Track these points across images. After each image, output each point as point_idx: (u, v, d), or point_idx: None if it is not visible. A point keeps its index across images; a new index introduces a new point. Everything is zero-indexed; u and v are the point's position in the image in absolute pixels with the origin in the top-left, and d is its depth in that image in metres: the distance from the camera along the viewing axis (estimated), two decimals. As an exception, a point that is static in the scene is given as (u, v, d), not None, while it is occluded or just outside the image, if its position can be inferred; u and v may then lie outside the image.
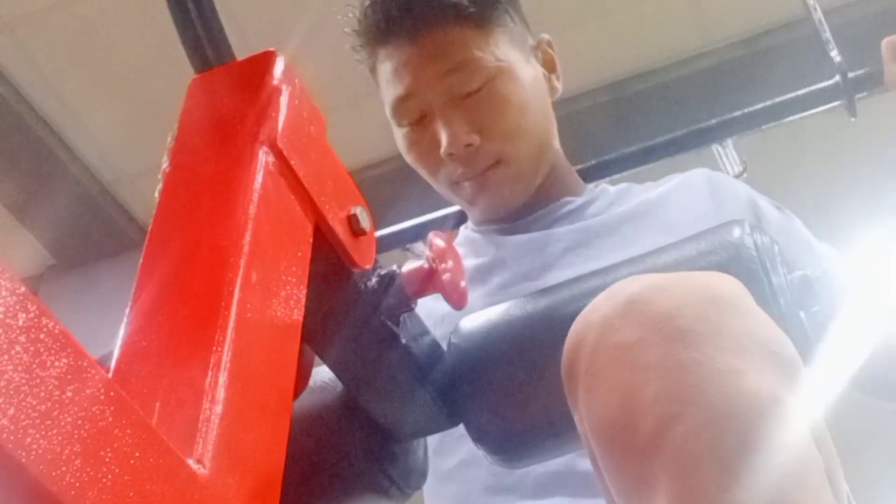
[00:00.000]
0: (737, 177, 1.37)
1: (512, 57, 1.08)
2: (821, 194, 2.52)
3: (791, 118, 1.33)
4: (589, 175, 1.24)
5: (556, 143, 1.15)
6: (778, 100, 1.33)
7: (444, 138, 1.05)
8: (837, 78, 1.27)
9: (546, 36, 1.18)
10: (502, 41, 1.08)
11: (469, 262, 1.11)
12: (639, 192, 1.15)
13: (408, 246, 1.36)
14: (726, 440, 0.46)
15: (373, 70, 1.12)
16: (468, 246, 1.15)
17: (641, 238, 1.04)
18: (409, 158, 1.12)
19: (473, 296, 1.05)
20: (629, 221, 1.08)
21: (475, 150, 1.06)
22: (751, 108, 1.33)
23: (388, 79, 1.09)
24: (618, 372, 0.50)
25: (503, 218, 1.14)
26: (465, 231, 1.20)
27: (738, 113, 1.34)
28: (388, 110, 1.11)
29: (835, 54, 1.29)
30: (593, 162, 1.29)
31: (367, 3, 1.09)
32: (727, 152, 1.42)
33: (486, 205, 1.11)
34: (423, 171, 1.12)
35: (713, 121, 1.35)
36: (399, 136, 1.12)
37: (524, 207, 1.12)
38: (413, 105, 1.08)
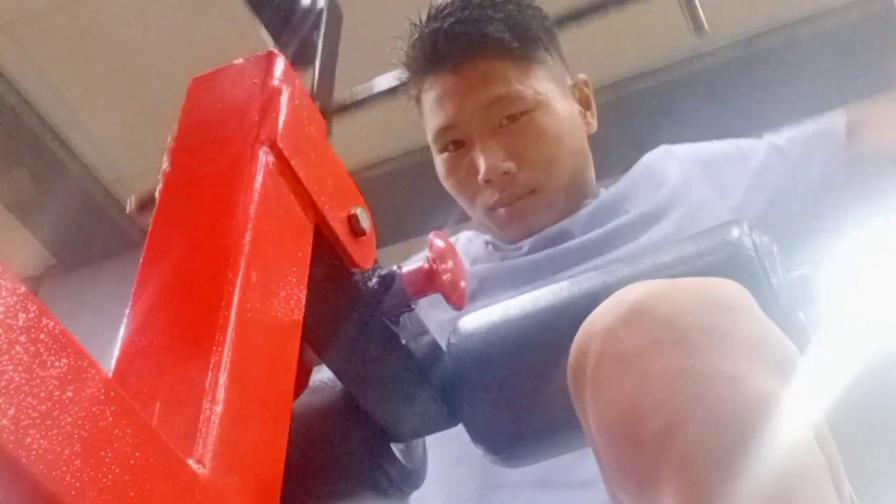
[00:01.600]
0: (697, 32, 1.34)
1: (550, 92, 1.14)
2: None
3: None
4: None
5: (591, 176, 1.20)
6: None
7: (482, 165, 1.09)
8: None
9: (583, 76, 1.23)
10: (542, 76, 1.14)
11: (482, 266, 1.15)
12: (611, 204, 1.17)
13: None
14: (729, 446, 0.46)
15: (417, 100, 1.18)
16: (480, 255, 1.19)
17: (640, 202, 1.13)
18: (447, 184, 1.17)
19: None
20: (627, 195, 1.15)
21: (511, 178, 1.11)
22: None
23: (431, 107, 1.14)
24: (622, 381, 0.50)
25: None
26: (479, 239, 1.23)
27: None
28: (430, 137, 1.16)
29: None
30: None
31: (416, 35, 1.15)
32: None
33: (518, 230, 1.15)
34: (461, 197, 1.17)
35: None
36: (439, 162, 1.17)
37: None
38: (454, 133, 1.13)
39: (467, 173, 1.13)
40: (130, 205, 1.19)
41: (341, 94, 1.16)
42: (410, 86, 1.18)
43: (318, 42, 0.58)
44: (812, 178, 1.10)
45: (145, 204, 1.18)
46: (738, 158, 1.15)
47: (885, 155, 1.07)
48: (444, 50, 1.12)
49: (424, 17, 1.15)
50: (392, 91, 1.17)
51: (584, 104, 1.22)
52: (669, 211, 1.10)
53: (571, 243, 1.11)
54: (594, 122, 1.23)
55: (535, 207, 1.13)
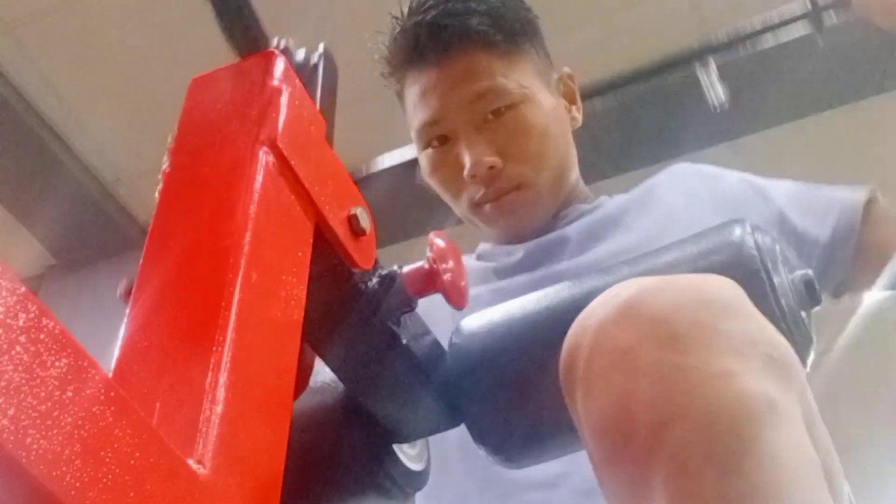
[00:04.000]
0: (719, 107, 1.42)
1: (535, 86, 1.12)
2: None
3: (765, 39, 1.38)
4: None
5: (576, 171, 1.19)
6: (753, 22, 1.37)
7: (467, 161, 1.08)
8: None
9: (567, 69, 1.22)
10: (526, 70, 1.12)
11: (483, 289, 1.12)
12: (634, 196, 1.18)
13: None
14: (721, 443, 0.46)
15: (400, 95, 1.16)
16: (477, 276, 1.16)
17: (640, 222, 1.09)
18: (432, 181, 1.15)
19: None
20: (629, 210, 1.12)
21: (497, 173, 1.09)
22: (726, 33, 1.38)
23: (414, 103, 1.12)
24: (613, 376, 0.50)
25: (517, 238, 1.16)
26: (470, 261, 1.21)
27: (714, 38, 1.39)
28: (413, 134, 1.15)
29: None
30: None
31: (398, 29, 1.13)
32: (711, 80, 1.46)
33: (505, 227, 1.13)
34: (446, 194, 1.15)
35: (694, 46, 1.41)
36: (423, 158, 1.15)
37: (540, 228, 1.15)
38: (438, 129, 1.11)
39: (452, 169, 1.11)
40: (121, 289, 1.16)
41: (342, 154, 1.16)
42: (393, 81, 1.16)
43: (315, 97, 0.58)
44: (819, 243, 1.07)
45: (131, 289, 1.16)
46: (758, 199, 1.12)
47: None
48: (426, 43, 1.10)
49: (406, 11, 1.13)
50: (399, 168, 1.17)
51: (569, 98, 1.20)
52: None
53: (565, 264, 1.08)
54: (579, 117, 1.21)
55: (521, 203, 1.11)
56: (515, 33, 1.12)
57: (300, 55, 0.63)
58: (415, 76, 1.12)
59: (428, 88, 1.11)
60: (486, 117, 1.09)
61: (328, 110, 0.59)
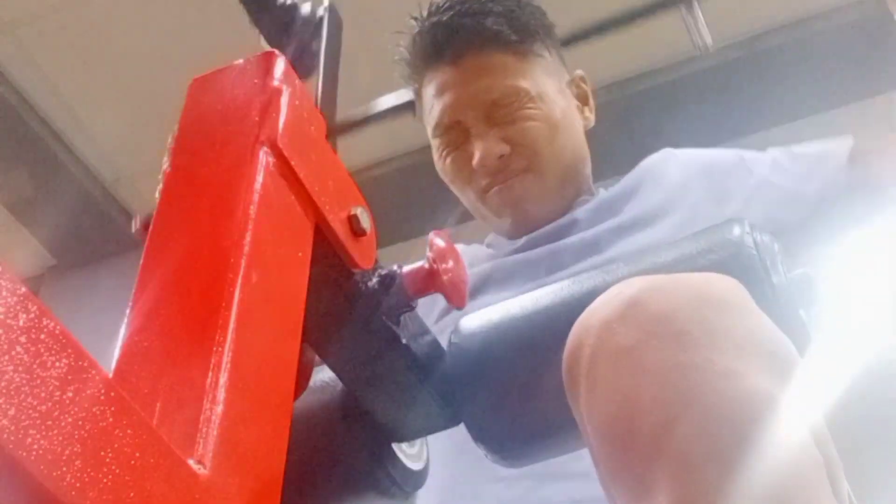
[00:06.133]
0: (704, 50, 1.50)
1: (546, 85, 1.17)
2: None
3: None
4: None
5: (589, 173, 1.22)
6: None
7: (477, 151, 1.13)
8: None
9: (580, 72, 1.26)
10: (539, 70, 1.17)
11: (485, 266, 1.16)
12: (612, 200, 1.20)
13: None
14: (725, 442, 0.46)
15: (418, 95, 1.22)
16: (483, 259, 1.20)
17: (645, 196, 1.15)
18: (443, 173, 1.20)
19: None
20: (632, 190, 1.17)
21: (506, 161, 1.13)
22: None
23: (431, 100, 1.18)
24: (617, 375, 0.50)
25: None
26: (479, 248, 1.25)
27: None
28: (429, 129, 1.20)
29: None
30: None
31: (417, 30, 1.19)
32: (697, 24, 1.55)
33: (511, 213, 1.16)
34: (456, 185, 1.19)
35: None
36: (437, 152, 1.20)
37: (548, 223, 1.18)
38: (452, 123, 1.16)
39: (463, 161, 1.16)
40: (136, 225, 1.19)
41: (345, 109, 1.18)
42: (412, 80, 1.21)
43: (320, 51, 0.59)
44: (809, 196, 1.13)
45: (149, 224, 1.19)
46: (742, 169, 1.18)
47: (887, 183, 1.10)
48: (443, 42, 1.15)
49: (425, 13, 1.18)
50: (396, 110, 1.21)
51: (582, 99, 1.25)
52: (665, 214, 1.12)
53: (567, 240, 1.12)
54: (592, 117, 1.25)
55: (526, 187, 1.15)
56: (529, 34, 1.17)
57: (305, 9, 0.64)
58: (432, 74, 1.17)
59: (443, 85, 1.16)
60: (497, 112, 1.13)
61: (332, 63, 0.59)
